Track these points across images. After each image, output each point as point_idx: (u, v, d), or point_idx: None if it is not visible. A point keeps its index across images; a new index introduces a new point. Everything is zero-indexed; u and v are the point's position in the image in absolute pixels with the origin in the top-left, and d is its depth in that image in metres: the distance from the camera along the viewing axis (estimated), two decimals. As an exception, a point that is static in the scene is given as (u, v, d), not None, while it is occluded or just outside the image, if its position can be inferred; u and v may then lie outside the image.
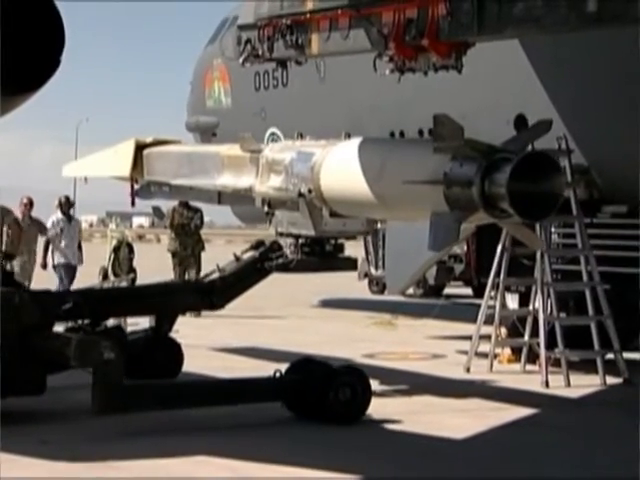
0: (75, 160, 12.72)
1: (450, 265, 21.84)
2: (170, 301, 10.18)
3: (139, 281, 16.49)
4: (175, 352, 10.27)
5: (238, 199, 10.17)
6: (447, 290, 22.26)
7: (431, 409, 9.05)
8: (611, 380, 10.73)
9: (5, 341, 8.20)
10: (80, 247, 17.16)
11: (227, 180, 9.75)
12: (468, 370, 11.34)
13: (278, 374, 8.63)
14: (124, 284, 17.02)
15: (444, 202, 7.01)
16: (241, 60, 10.29)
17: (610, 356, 10.97)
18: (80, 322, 9.27)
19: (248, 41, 10.08)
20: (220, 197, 10.54)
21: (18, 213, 15.39)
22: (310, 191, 8.43)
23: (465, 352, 11.68)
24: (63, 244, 16.34)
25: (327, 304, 20.25)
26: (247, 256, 10.22)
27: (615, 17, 7.09)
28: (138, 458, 7.19)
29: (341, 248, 9.61)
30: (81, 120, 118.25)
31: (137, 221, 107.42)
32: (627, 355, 11.22)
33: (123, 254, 18.91)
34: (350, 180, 8.06)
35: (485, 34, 8.07)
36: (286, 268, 9.64)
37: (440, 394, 9.95)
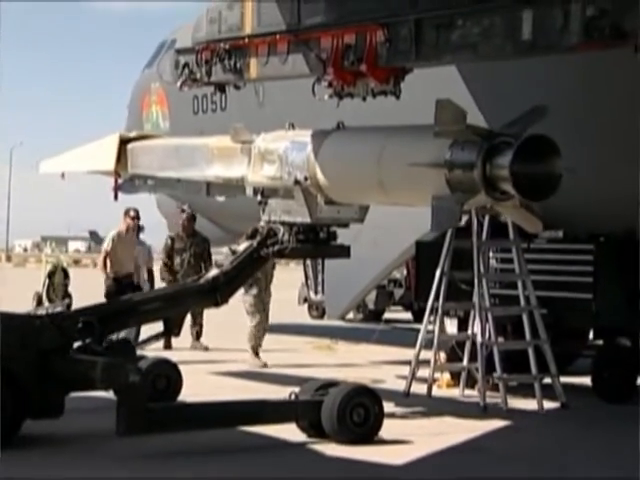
0: (52, 158, 12.47)
1: (390, 290, 22.00)
2: (176, 305, 10.16)
3: (74, 307, 16.25)
4: (174, 373, 10.35)
5: (228, 190, 10.26)
6: (387, 315, 22.37)
7: (370, 435, 9.05)
8: (549, 404, 10.86)
9: (27, 365, 8.33)
10: (151, 274, 15.98)
11: (218, 171, 9.90)
12: (407, 395, 11.39)
13: (294, 396, 8.77)
14: (59, 309, 16.75)
15: (445, 185, 7.25)
16: (179, 84, 10.30)
17: (547, 380, 11.10)
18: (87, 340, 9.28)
19: (186, 65, 10.09)
20: (209, 188, 10.57)
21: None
22: (306, 179, 8.65)
23: (404, 377, 11.73)
24: None
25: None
26: (243, 247, 10.18)
27: (549, 46, 7.25)
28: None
29: (334, 236, 9.68)
30: (15, 144, 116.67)
31: (73, 245, 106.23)
32: (564, 379, 11.37)
33: (58, 279, 18.69)
34: (348, 166, 8.22)
35: (423, 60, 8.18)
36: (282, 255, 9.69)
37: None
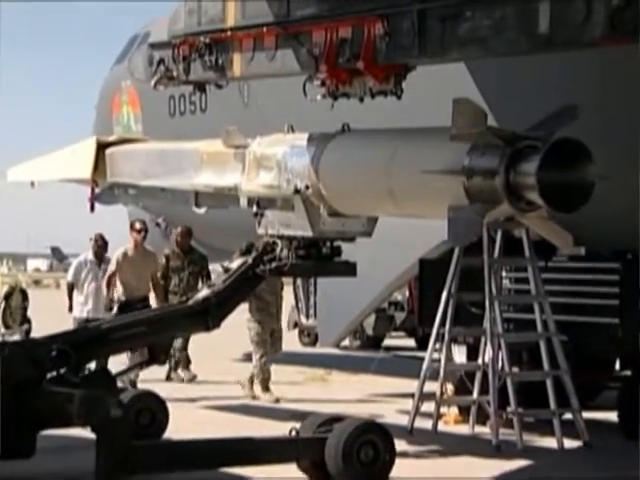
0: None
1: (390, 313, 22.03)
2: (162, 330, 10.08)
3: (35, 334, 16.22)
4: (159, 407, 10.46)
5: (219, 200, 10.25)
6: (387, 341, 22.38)
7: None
8: (569, 443, 10.86)
9: None
10: None
11: (208, 179, 9.90)
12: (410, 432, 11.39)
13: (295, 432, 8.76)
14: (17, 337, 16.71)
15: (463, 194, 7.25)
16: (153, 82, 10.33)
17: (568, 416, 11.12)
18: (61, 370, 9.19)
19: (161, 61, 10.13)
20: (197, 198, 10.57)
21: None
22: (307, 187, 8.67)
23: (407, 412, 11.74)
24: (86, 293, 14.60)
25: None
26: (237, 264, 10.14)
27: (567, 42, 7.29)
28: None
29: (338, 251, 9.63)
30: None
31: (33, 264, 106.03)
32: (587, 414, 11.38)
33: (16, 302, 18.70)
34: (354, 174, 8.23)
35: (427, 57, 8.22)
36: (280, 272, 9.70)
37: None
